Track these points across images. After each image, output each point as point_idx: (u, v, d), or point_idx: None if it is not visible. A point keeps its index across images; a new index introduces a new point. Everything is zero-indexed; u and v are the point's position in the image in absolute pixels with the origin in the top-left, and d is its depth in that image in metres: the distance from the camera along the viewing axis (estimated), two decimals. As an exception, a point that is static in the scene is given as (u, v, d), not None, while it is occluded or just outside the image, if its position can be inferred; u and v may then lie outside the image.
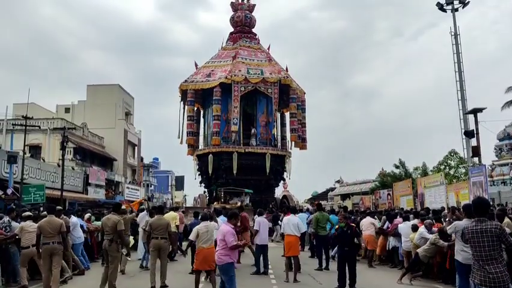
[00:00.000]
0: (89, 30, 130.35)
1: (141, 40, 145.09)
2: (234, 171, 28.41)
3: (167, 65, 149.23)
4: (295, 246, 10.39)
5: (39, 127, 32.55)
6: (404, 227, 11.03)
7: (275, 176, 31.16)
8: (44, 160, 32.13)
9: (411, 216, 12.30)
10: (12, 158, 23.54)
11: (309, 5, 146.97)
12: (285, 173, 32.02)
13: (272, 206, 28.16)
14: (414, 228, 10.36)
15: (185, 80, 31.15)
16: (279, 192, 35.55)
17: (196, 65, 32.43)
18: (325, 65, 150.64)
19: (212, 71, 30.88)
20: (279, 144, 32.64)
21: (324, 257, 11.98)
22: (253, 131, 30.26)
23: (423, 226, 10.12)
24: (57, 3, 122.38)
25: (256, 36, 34.21)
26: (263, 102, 30.91)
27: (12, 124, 29.76)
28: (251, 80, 29.37)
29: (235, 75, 29.39)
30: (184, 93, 31.31)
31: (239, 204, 23.28)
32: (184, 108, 31.82)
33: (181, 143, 31.70)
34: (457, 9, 22.30)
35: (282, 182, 33.03)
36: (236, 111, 28.92)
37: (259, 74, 29.85)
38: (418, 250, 9.42)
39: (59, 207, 10.09)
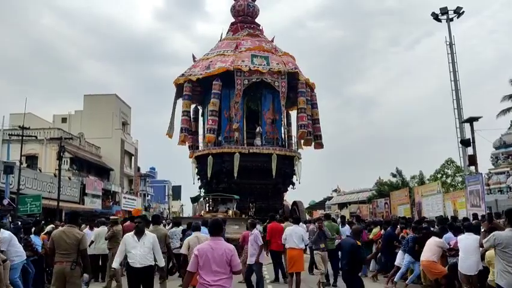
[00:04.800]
0: (88, 40, 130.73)
1: (139, 50, 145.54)
2: (235, 174, 25.46)
3: (165, 75, 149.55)
4: (300, 261, 9.27)
5: (36, 137, 32.53)
6: (465, 238, 7.85)
7: (283, 180, 27.76)
8: (40, 170, 32.04)
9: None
10: (8, 168, 23.47)
11: (306, 14, 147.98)
12: (294, 176, 28.40)
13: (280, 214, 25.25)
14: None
15: (182, 74, 28.07)
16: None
17: (194, 57, 29.35)
18: (324, 74, 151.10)
19: (211, 61, 27.48)
20: (293, 143, 29.34)
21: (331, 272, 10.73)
22: (258, 129, 27.22)
23: None
24: (56, 13, 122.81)
25: (260, 27, 31.10)
26: (269, 98, 27.82)
27: (9, 134, 29.73)
28: (256, 69, 26.11)
29: (238, 65, 26.07)
30: (179, 89, 28.21)
31: (230, 212, 21.51)
32: (181, 103, 28.38)
33: (171, 137, 28.61)
34: (451, 19, 22.51)
35: (291, 186, 28.99)
36: (237, 107, 25.89)
37: (265, 64, 26.47)
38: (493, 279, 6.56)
39: None
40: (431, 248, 8.78)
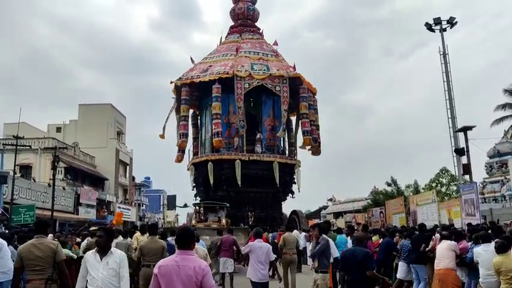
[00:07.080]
0: (83, 49, 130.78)
1: (135, 59, 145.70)
2: (236, 182, 24.71)
3: (161, 85, 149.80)
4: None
5: (30, 147, 32.32)
6: (484, 252, 6.89)
7: (283, 189, 27.03)
8: (34, 180, 31.84)
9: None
10: (2, 178, 23.38)
11: (300, 24, 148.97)
12: (293, 185, 27.76)
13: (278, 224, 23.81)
14: (503, 247, 6.30)
15: (180, 78, 27.48)
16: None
17: (192, 60, 28.83)
18: (318, 82, 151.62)
19: (210, 66, 26.96)
20: (293, 150, 28.79)
21: None
22: (258, 135, 26.48)
23: None
24: (52, 23, 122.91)
25: (260, 31, 30.48)
26: (269, 104, 27.43)
27: (3, 144, 29.57)
28: (256, 76, 25.53)
29: (237, 70, 25.51)
30: (178, 92, 27.53)
31: (223, 221, 20.20)
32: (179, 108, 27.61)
33: (163, 137, 28.17)
34: (445, 29, 22.69)
35: (290, 195, 28.12)
36: (241, 112, 25.22)
37: (264, 69, 26.01)
38: None
39: None
40: (443, 253, 7.53)
